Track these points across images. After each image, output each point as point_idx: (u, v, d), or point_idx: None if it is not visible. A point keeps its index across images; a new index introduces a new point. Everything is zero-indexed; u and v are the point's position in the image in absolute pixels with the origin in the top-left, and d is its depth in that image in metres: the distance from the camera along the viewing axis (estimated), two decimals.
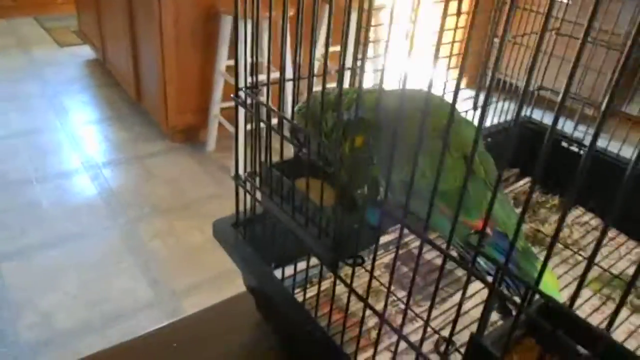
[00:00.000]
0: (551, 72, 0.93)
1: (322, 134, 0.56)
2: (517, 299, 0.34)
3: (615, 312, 0.28)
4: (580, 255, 0.81)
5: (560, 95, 0.29)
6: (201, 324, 0.73)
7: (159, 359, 0.67)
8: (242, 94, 0.59)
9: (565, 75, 0.30)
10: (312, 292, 0.69)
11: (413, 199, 0.38)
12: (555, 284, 0.56)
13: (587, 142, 0.91)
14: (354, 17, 0.46)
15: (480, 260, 0.51)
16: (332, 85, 0.60)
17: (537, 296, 0.35)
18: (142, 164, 2.51)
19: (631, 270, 0.79)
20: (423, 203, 0.37)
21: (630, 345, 0.65)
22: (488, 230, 0.55)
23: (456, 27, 0.81)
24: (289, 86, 0.58)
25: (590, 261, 0.29)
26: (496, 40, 0.86)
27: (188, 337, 0.70)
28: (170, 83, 2.44)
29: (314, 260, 0.69)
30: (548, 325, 0.32)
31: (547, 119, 0.98)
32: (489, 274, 0.54)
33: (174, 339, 0.69)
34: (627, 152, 0.86)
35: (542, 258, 0.78)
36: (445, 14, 0.34)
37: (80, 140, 2.66)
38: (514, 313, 0.50)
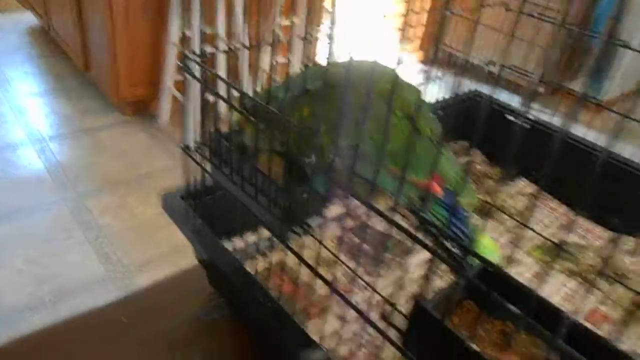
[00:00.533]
0: (500, 47, 0.95)
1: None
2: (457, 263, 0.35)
3: (545, 274, 0.30)
4: (521, 223, 0.84)
5: (498, 67, 0.29)
6: (152, 298, 0.72)
7: (109, 334, 0.66)
8: (190, 63, 0.58)
9: (518, 51, 0.30)
10: (263, 263, 0.70)
11: (362, 163, 0.38)
12: (496, 248, 0.59)
13: (534, 116, 0.94)
14: None
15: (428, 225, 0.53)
16: (283, 59, 0.60)
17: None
18: (92, 137, 2.42)
19: (571, 239, 0.83)
20: (370, 165, 0.37)
21: (565, 308, 0.69)
22: (437, 188, 0.56)
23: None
24: (239, 56, 0.57)
25: (524, 223, 0.30)
26: (448, 14, 0.87)
27: (138, 311, 0.69)
28: (120, 53, 2.34)
29: (265, 232, 0.69)
30: (484, 287, 0.33)
31: (497, 94, 1.01)
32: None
33: (124, 314, 0.68)
34: (574, 129, 0.90)
35: (488, 228, 0.81)
36: None
37: (25, 113, 2.53)
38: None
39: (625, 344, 0.65)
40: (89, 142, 2.39)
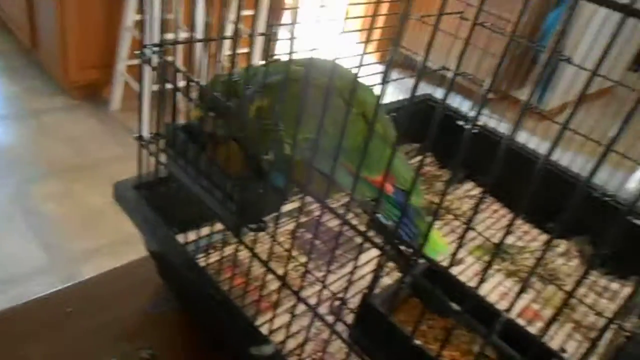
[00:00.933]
0: (456, 54, 0.98)
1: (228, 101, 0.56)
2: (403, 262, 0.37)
3: (484, 272, 0.32)
4: (466, 224, 0.88)
5: (452, 73, 0.31)
6: (99, 289, 0.71)
7: (51, 325, 0.65)
8: (148, 51, 0.57)
9: (471, 58, 0.32)
10: (215, 257, 0.70)
11: (319, 157, 0.39)
12: (445, 246, 0.61)
13: (482, 122, 0.98)
14: None
15: (380, 217, 0.54)
16: (244, 50, 0.60)
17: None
18: (37, 120, 2.32)
19: (509, 240, 0.88)
20: (327, 160, 0.39)
21: (502, 306, 0.73)
22: (389, 186, 0.58)
23: (369, 2, 0.83)
24: (199, 47, 0.57)
25: (468, 224, 0.32)
26: (407, 19, 0.89)
27: (84, 301, 0.68)
28: (70, 32, 2.25)
29: (218, 226, 0.69)
30: (428, 284, 0.35)
31: (449, 99, 1.04)
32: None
33: (68, 304, 0.66)
34: (521, 136, 0.94)
35: (435, 229, 0.84)
36: None
37: None
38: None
39: (555, 341, 0.70)
40: (33, 124, 2.28)
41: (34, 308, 0.66)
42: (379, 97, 0.36)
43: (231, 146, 0.50)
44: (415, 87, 0.36)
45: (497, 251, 0.31)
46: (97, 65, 2.41)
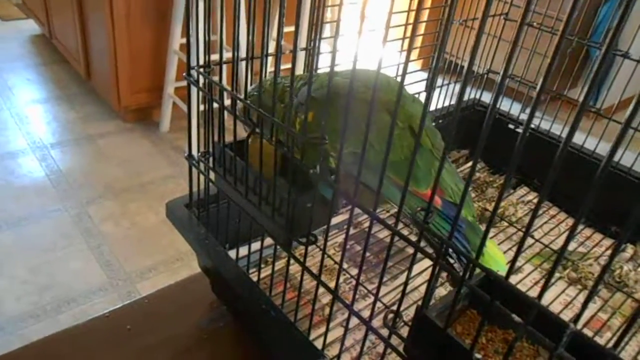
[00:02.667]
0: (501, 56, 0.96)
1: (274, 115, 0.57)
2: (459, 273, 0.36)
3: (546, 282, 0.30)
4: (522, 231, 0.85)
5: (499, 76, 0.30)
6: (155, 306, 0.72)
7: (113, 342, 0.67)
8: (194, 73, 0.59)
9: (519, 59, 0.31)
10: (266, 271, 0.70)
11: (365, 171, 0.39)
12: (502, 258, 0.59)
13: (534, 124, 0.95)
14: None
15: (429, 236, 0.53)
16: (286, 66, 0.60)
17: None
18: (93, 144, 2.43)
19: (570, 246, 0.84)
20: (373, 174, 0.38)
21: (566, 315, 0.70)
22: (437, 199, 0.57)
23: (409, 10, 0.83)
24: (242, 66, 0.58)
25: (526, 232, 0.30)
26: (451, 23, 0.87)
27: (142, 319, 0.69)
28: (122, 61, 2.36)
29: (268, 241, 0.69)
30: (486, 296, 0.34)
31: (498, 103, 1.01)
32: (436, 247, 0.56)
33: (127, 322, 0.68)
34: (577, 138, 0.90)
35: (491, 240, 0.81)
36: None
37: (26, 120, 2.54)
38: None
39: (626, 352, 0.65)
40: (90, 149, 2.40)
41: (96, 326, 0.68)
42: (424, 109, 0.36)
43: (265, 145, 0.51)
44: (461, 93, 0.35)
45: (559, 259, 0.29)
46: (147, 89, 2.51)
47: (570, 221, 0.89)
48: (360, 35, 0.40)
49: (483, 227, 0.84)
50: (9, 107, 2.63)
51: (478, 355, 0.35)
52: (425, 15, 2.50)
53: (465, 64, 0.34)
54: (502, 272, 0.34)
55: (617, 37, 0.30)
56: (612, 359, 0.28)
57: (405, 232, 0.81)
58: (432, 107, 0.95)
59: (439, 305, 0.41)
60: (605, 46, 0.28)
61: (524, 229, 0.85)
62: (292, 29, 0.47)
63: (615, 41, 0.29)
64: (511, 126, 0.97)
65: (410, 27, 0.85)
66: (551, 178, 0.30)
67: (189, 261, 1.79)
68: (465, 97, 1.03)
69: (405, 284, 0.40)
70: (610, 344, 0.29)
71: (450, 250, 0.50)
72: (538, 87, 0.28)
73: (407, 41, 0.87)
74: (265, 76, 0.59)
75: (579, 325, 0.68)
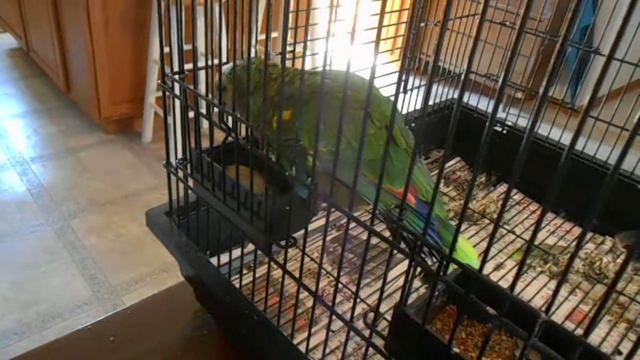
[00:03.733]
0: (478, 55, 0.97)
1: (249, 114, 0.57)
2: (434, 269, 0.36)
3: (518, 273, 0.31)
4: (503, 228, 0.86)
5: (464, 73, 0.30)
6: (138, 316, 0.72)
7: (96, 354, 0.66)
8: (169, 80, 0.58)
9: (494, 60, 0.32)
10: (248, 277, 0.70)
11: (341, 169, 0.39)
12: (473, 253, 0.60)
13: (513, 122, 0.96)
14: (282, 2, 0.46)
15: (405, 233, 0.54)
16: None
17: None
18: (75, 157, 2.40)
19: (550, 240, 0.85)
20: (351, 172, 0.38)
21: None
22: (411, 197, 0.58)
23: (382, 11, 0.83)
24: (218, 72, 0.58)
25: (497, 223, 0.31)
26: (422, 24, 0.88)
27: (126, 330, 0.69)
28: (101, 72, 2.34)
29: (250, 247, 0.69)
30: (461, 290, 0.34)
31: (474, 101, 1.03)
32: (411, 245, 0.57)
33: (111, 333, 0.68)
34: (555, 134, 0.92)
35: (469, 233, 0.82)
36: None
37: (5, 135, 2.51)
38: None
39: (608, 342, 0.66)
40: (72, 162, 2.37)
41: (79, 339, 0.68)
42: (394, 107, 0.36)
43: (253, 167, 0.51)
44: (428, 92, 0.36)
45: (529, 248, 0.29)
46: (128, 99, 2.49)
47: (550, 216, 0.90)
48: (331, 36, 0.40)
49: (464, 225, 0.85)
50: None
51: (456, 349, 0.36)
52: (404, 16, 2.52)
53: (446, 65, 0.34)
54: (475, 266, 0.34)
55: (589, 33, 0.31)
56: (582, 346, 0.28)
57: (386, 233, 0.81)
58: (410, 109, 0.96)
59: (418, 302, 0.41)
60: (561, 38, 0.28)
61: (506, 226, 0.86)
62: (263, 37, 0.47)
63: (589, 38, 0.30)
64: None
65: (385, 30, 0.85)
66: (518, 167, 0.31)
67: (175, 272, 1.76)
68: (444, 98, 1.04)
69: (384, 281, 0.41)
70: (581, 333, 0.29)
71: (425, 247, 0.50)
72: (500, 81, 0.29)
73: (383, 43, 0.88)
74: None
75: (561, 318, 0.69)
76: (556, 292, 0.29)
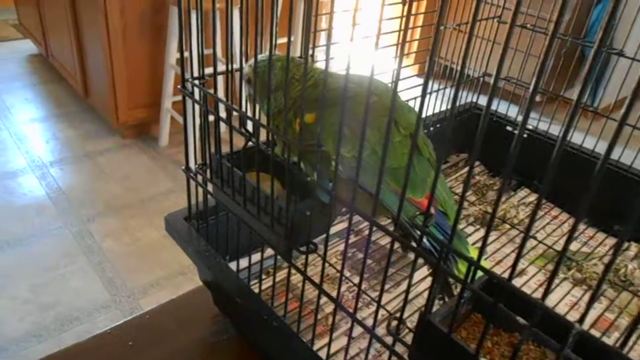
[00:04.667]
0: (496, 59, 0.96)
1: (270, 116, 0.56)
2: (461, 276, 0.35)
3: (549, 282, 0.30)
4: (524, 233, 0.84)
5: (492, 79, 0.30)
6: (157, 321, 0.72)
7: (116, 358, 0.66)
8: (189, 85, 0.59)
9: (515, 62, 0.31)
10: (268, 282, 0.69)
11: (364, 175, 0.39)
12: (484, 262, 0.59)
13: (532, 126, 0.94)
14: (301, 6, 0.46)
15: (426, 241, 0.53)
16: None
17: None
18: (93, 161, 2.43)
19: (573, 246, 0.83)
20: (374, 179, 0.38)
21: (573, 316, 0.69)
22: (432, 208, 0.57)
23: (402, 16, 0.83)
24: (237, 77, 0.58)
25: (526, 233, 0.30)
26: (442, 28, 0.87)
27: (145, 334, 0.69)
28: (119, 77, 2.36)
29: (269, 251, 0.69)
30: (489, 299, 0.33)
31: (495, 106, 1.01)
32: (433, 253, 0.56)
33: (129, 338, 0.68)
34: (576, 138, 0.90)
35: (489, 239, 0.81)
36: (383, 2, 0.34)
37: (25, 140, 2.55)
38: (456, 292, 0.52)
39: (635, 351, 0.65)
40: (90, 166, 2.40)
41: (98, 343, 0.68)
42: (420, 115, 0.35)
43: (274, 172, 0.50)
44: (455, 97, 0.35)
45: (561, 258, 0.29)
46: (145, 104, 2.52)
47: (572, 221, 0.88)
48: (352, 41, 0.40)
49: (484, 231, 0.84)
50: (8, 127, 2.63)
51: None
52: (419, 20, 2.51)
53: (458, 68, 0.34)
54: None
55: (610, 34, 0.30)
56: (619, 359, 0.27)
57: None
58: (429, 112, 0.95)
59: (443, 310, 0.40)
60: (597, 42, 0.28)
61: (524, 231, 0.85)
62: (284, 40, 0.46)
63: (609, 39, 0.29)
64: (509, 128, 0.97)
65: (399, 34, 0.85)
66: (549, 178, 0.30)
67: (192, 275, 1.78)
68: (462, 101, 1.03)
69: (408, 289, 0.40)
70: (618, 344, 0.28)
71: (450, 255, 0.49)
72: (531, 88, 0.28)
73: (401, 47, 0.87)
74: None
75: (586, 326, 0.67)
76: (589, 305, 0.28)
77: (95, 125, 2.71)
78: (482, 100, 1.04)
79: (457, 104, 1.01)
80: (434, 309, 0.40)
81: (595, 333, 0.67)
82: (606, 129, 0.86)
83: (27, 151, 2.45)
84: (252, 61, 0.58)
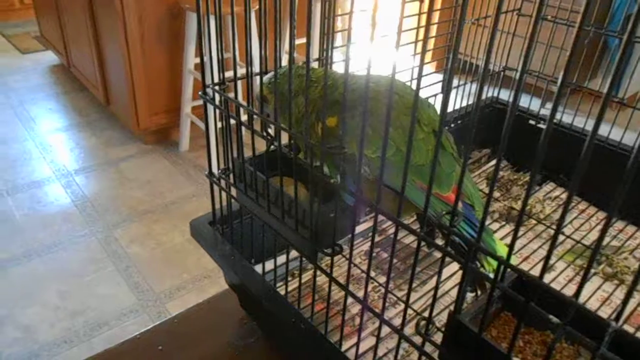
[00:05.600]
0: (516, 52, 0.94)
1: (291, 121, 0.57)
2: (491, 275, 0.35)
3: (583, 279, 0.29)
4: (552, 228, 0.83)
5: (517, 73, 0.29)
6: (185, 325, 0.72)
7: None
8: (210, 91, 0.59)
9: (535, 54, 0.30)
10: (294, 284, 0.70)
11: (389, 174, 0.38)
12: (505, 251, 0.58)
13: (557, 119, 0.93)
14: (318, 7, 0.46)
15: (455, 237, 0.52)
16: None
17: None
18: (116, 168, 2.47)
19: (603, 240, 0.81)
20: (399, 178, 0.38)
21: (604, 312, 0.67)
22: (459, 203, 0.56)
23: (420, 13, 0.82)
24: (257, 81, 0.58)
25: (557, 229, 0.29)
26: (464, 23, 0.86)
27: (174, 338, 0.70)
28: (138, 84, 2.40)
29: (294, 253, 0.69)
30: (520, 297, 0.33)
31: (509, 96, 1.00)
32: (462, 247, 0.55)
33: (158, 342, 0.68)
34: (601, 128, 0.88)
35: (499, 241, 0.79)
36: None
37: (49, 149, 2.60)
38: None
39: None
40: (113, 173, 2.43)
41: (128, 348, 0.69)
42: (443, 110, 0.35)
43: (297, 175, 0.51)
44: (479, 92, 0.35)
45: (594, 256, 0.28)
46: (165, 110, 2.55)
47: (600, 215, 0.86)
48: (372, 41, 0.39)
49: (510, 227, 0.83)
50: (33, 137, 2.69)
51: (515, 359, 0.34)
52: (436, 17, 2.48)
53: (481, 63, 0.33)
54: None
55: (635, 21, 0.29)
56: None
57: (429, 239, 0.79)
58: (449, 109, 0.94)
59: (472, 310, 0.40)
60: (627, 33, 0.27)
61: (553, 226, 0.83)
62: (304, 40, 0.46)
63: (634, 26, 0.28)
64: (532, 122, 0.95)
65: (422, 30, 0.84)
66: (579, 172, 0.29)
67: (217, 278, 1.79)
68: (483, 96, 1.02)
69: (436, 289, 0.40)
70: None
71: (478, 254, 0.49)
72: (559, 81, 0.27)
73: (419, 44, 0.87)
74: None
75: (620, 322, 0.66)
76: (625, 301, 0.28)
77: (117, 132, 2.76)
78: (503, 94, 1.02)
79: (480, 100, 1.00)
80: (464, 304, 0.40)
81: (628, 329, 0.65)
82: (633, 119, 0.84)
83: (52, 160, 2.50)
84: (266, 78, 0.59)
